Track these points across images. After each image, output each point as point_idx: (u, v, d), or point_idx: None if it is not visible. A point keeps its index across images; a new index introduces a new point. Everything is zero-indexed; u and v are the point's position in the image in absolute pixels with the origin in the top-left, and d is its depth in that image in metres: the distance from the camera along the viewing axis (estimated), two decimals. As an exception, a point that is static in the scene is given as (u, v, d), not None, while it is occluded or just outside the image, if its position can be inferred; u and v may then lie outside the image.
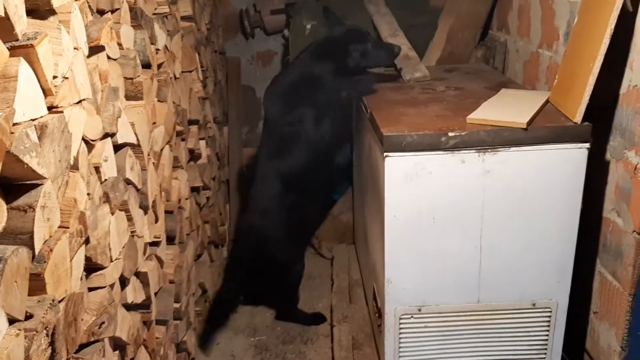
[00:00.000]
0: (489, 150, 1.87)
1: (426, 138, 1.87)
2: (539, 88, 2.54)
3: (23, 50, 1.06)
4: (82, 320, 1.28)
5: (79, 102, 1.30)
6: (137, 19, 1.81)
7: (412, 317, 2.05)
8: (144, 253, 1.80)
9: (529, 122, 1.87)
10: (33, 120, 1.05)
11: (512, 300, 2.04)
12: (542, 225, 1.96)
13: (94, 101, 1.40)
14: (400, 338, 2.07)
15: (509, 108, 2.01)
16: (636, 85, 1.83)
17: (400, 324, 2.06)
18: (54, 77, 1.15)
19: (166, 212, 2.09)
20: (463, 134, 1.86)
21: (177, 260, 2.17)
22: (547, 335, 2.07)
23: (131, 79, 1.72)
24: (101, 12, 1.55)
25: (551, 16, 2.41)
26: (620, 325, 2.00)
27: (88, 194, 1.31)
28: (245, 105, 3.92)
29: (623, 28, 1.81)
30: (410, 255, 1.99)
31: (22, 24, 1.06)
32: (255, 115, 4.01)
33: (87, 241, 1.31)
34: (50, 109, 1.14)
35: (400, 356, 2.09)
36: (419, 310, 2.04)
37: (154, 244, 1.94)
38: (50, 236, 1.10)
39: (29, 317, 1.01)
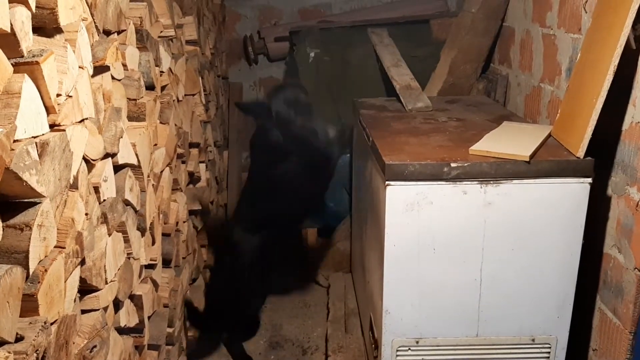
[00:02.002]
0: (491, 182, 1.86)
1: (428, 168, 1.86)
2: (540, 122, 2.54)
3: (28, 67, 1.05)
4: (73, 343, 1.25)
5: (82, 121, 1.29)
6: (143, 40, 1.81)
7: (409, 349, 2.01)
8: (140, 276, 1.77)
9: (532, 155, 1.87)
10: (34, 137, 1.03)
11: (511, 335, 2.00)
12: (543, 259, 1.94)
13: (97, 121, 1.39)
14: (396, 371, 2.03)
15: (512, 141, 2.01)
16: (639, 122, 1.83)
17: (397, 356, 2.02)
18: (58, 95, 1.14)
19: (163, 234, 2.06)
20: (465, 165, 1.85)
21: (172, 284, 2.14)
22: (546, 371, 2.04)
23: (134, 99, 1.72)
24: (107, 33, 1.55)
25: (553, 52, 2.43)
26: (620, 363, 1.97)
27: (86, 214, 1.29)
28: (245, 130, 3.92)
29: (626, 65, 1.83)
30: (409, 285, 1.96)
31: (28, 41, 1.06)
32: (255, 140, 4.01)
33: (82, 262, 1.29)
34: (52, 126, 1.13)
35: (396, 389, 2.05)
36: (417, 342, 2.01)
37: (150, 266, 1.91)
38: (45, 256, 1.08)
39: (19, 339, 0.98)
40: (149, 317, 1.88)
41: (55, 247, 1.12)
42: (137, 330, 1.77)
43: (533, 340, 2.01)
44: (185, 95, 2.34)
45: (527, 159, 1.86)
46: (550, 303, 1.98)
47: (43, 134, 1.07)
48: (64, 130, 1.15)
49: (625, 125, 1.91)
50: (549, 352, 2.02)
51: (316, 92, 3.33)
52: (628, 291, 1.91)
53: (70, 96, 1.20)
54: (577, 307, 2.02)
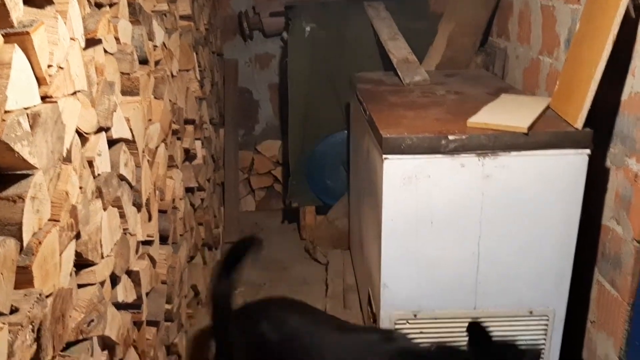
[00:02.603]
0: (489, 154, 1.85)
1: (426, 141, 1.85)
2: (538, 94, 2.52)
3: (18, 37, 1.03)
4: (70, 317, 1.24)
5: (74, 93, 1.27)
6: (136, 14, 1.78)
7: (407, 322, 2.02)
8: (136, 251, 1.77)
9: (530, 127, 1.86)
10: (26, 109, 1.02)
11: (508, 307, 2.01)
12: (541, 232, 1.94)
13: (89, 94, 1.37)
14: (395, 344, 2.04)
15: (510, 113, 1.99)
16: (638, 92, 1.81)
17: (395, 329, 2.02)
18: (49, 66, 1.12)
19: (160, 211, 2.05)
20: (463, 137, 1.84)
21: (170, 261, 2.14)
22: (544, 343, 2.05)
23: (128, 74, 1.70)
24: (99, 5, 1.52)
25: (552, 23, 2.40)
26: (618, 335, 1.98)
27: (80, 188, 1.28)
28: (241, 108, 3.89)
29: (625, 34, 1.80)
30: (406, 259, 1.96)
31: (18, 11, 1.04)
32: (251, 118, 3.98)
33: (77, 236, 1.27)
34: (44, 98, 1.11)
35: (394, 362, 2.06)
36: (415, 315, 2.01)
37: (147, 243, 1.90)
38: (39, 229, 1.06)
39: (14, 311, 0.97)
40: (147, 294, 1.87)
41: (49, 220, 1.11)
42: (135, 306, 1.77)
43: (531, 312, 2.01)
44: (179, 70, 2.31)
45: (525, 131, 1.85)
46: (548, 275, 1.98)
47: (34, 105, 1.05)
48: (55, 102, 1.13)
49: (625, 96, 1.89)
50: (546, 325, 2.03)
51: (312, 68, 3.30)
52: (626, 263, 1.91)
53: (62, 68, 1.18)
54: (575, 280, 2.02)
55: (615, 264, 1.98)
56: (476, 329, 1.51)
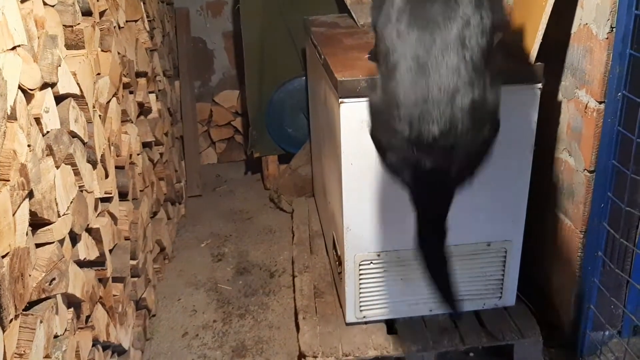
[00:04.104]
0: (444, 93, 1.86)
1: (381, 82, 1.84)
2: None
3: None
4: (30, 276, 1.23)
5: (13, 48, 1.22)
6: (74, -38, 1.70)
7: (371, 262, 2.07)
8: (95, 209, 1.74)
9: (483, 64, 1.86)
10: (-40, 65, 0.98)
11: (467, 242, 2.07)
12: (496, 167, 1.96)
13: (30, 48, 1.32)
14: (360, 284, 2.09)
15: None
16: (586, 24, 1.84)
17: (360, 270, 2.07)
18: (-18, 19, 1.07)
19: (117, 167, 2.02)
20: (418, 77, 1.84)
21: (132, 217, 2.12)
22: (502, 274, 2.13)
23: (71, 26, 1.63)
24: (33, -46, 1.44)
25: (504, -42, 2.39)
26: (572, 261, 2.07)
27: (29, 146, 1.24)
28: (196, 58, 3.80)
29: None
30: (368, 201, 1.99)
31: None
32: (207, 69, 3.90)
33: (30, 195, 1.25)
34: (-20, 54, 1.07)
35: (360, 301, 2.11)
36: (378, 255, 2.06)
37: (106, 200, 1.88)
38: (-12, 189, 1.04)
39: (-31, 272, 0.96)
40: (110, 251, 1.86)
41: (-2, 180, 1.09)
42: (99, 263, 1.76)
43: (489, 245, 2.08)
44: (126, 21, 2.23)
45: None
46: (504, 209, 2.04)
47: (-30, 62, 1.01)
48: (-7, 57, 1.09)
49: (574, 29, 1.91)
50: (504, 256, 2.10)
51: (266, 14, 3.23)
52: (578, 192, 1.98)
53: (-3, 21, 1.13)
54: (530, 211, 2.08)
55: (568, 194, 2.05)
56: None
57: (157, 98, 2.67)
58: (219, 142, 4.02)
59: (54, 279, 1.33)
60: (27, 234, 1.23)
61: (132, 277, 2.16)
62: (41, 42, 1.38)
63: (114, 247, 1.93)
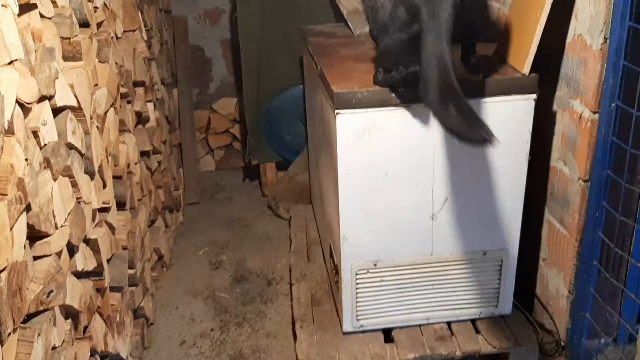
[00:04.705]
0: (439, 103, 1.87)
1: (377, 94, 1.85)
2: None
3: (-59, 7, 0.99)
4: (27, 289, 1.24)
5: (10, 63, 1.23)
6: (72, -26, 1.71)
7: (368, 272, 2.08)
8: (93, 219, 1.75)
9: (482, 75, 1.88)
10: (-42, 82, 0.99)
11: (464, 251, 2.08)
12: (492, 176, 1.99)
13: (28, 62, 1.33)
14: (357, 293, 2.10)
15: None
16: (580, 35, 1.85)
17: (356, 279, 2.08)
18: (-21, 36, 1.08)
19: (115, 177, 2.03)
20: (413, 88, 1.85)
21: (129, 226, 2.13)
22: (498, 282, 2.14)
23: (68, 38, 1.65)
24: (31, -33, 1.46)
25: (499, -33, 2.41)
26: (567, 270, 2.08)
27: (26, 160, 1.26)
28: (194, 66, 3.82)
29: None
30: (364, 211, 2.00)
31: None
32: (205, 76, 3.91)
33: (28, 208, 1.26)
34: (-22, 70, 1.08)
35: (357, 310, 2.12)
36: (375, 265, 2.07)
37: (104, 210, 1.89)
38: (-15, 204, 1.05)
39: (-33, 288, 0.97)
40: (107, 260, 1.88)
41: (-5, 194, 1.10)
42: (96, 273, 1.77)
43: (485, 254, 2.09)
44: (124, 31, 2.24)
45: (479, 79, 1.87)
46: (500, 218, 2.05)
47: (-33, 78, 1.02)
48: (-10, 73, 1.10)
49: (568, 39, 1.93)
50: (500, 265, 2.11)
51: (263, 22, 3.24)
52: (573, 201, 1.99)
53: (-6, 37, 1.14)
54: (526, 220, 2.10)
55: (563, 203, 2.06)
56: None
57: (155, 107, 2.68)
58: (217, 149, 4.04)
59: (51, 291, 1.34)
60: (24, 248, 1.24)
61: (129, 286, 2.17)
62: (38, 55, 1.39)
63: (111, 256, 1.94)
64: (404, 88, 1.84)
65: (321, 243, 2.79)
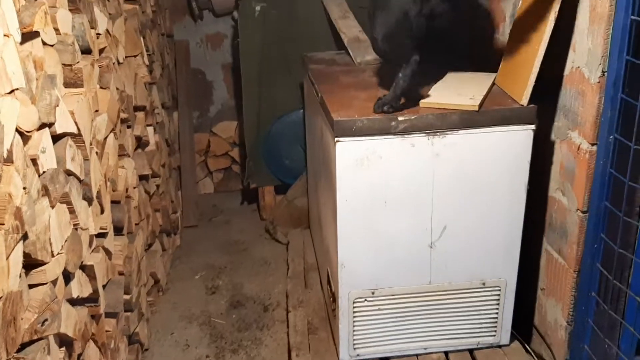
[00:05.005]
0: (438, 133, 1.89)
1: (376, 123, 1.86)
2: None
3: (-55, 38, 0.99)
4: (22, 319, 1.23)
5: (11, 92, 1.24)
6: (75, 2, 1.73)
7: (365, 300, 2.07)
8: (90, 245, 1.75)
9: (480, 105, 1.89)
10: (-41, 112, 0.99)
11: (462, 280, 2.07)
12: (490, 206, 1.99)
13: (29, 90, 1.34)
14: (354, 321, 2.09)
15: (459, 91, 2.02)
16: (578, 67, 1.86)
17: (354, 307, 2.07)
18: (-19, 66, 1.08)
19: (113, 202, 2.03)
20: (412, 117, 1.86)
21: (126, 251, 2.12)
22: (496, 312, 2.12)
23: (70, 65, 1.66)
24: (35, -4, 1.47)
25: (498, -2, 2.43)
26: (566, 301, 2.07)
27: (24, 188, 1.25)
28: (195, 90, 3.84)
29: (567, 10, 1.85)
30: (362, 239, 1.99)
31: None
32: (206, 100, 3.93)
33: (24, 237, 1.25)
34: (-22, 100, 1.08)
35: (354, 339, 2.11)
36: (373, 293, 2.06)
37: (101, 235, 1.88)
38: (-18, 234, 1.05)
39: (-39, 320, 0.96)
40: (103, 286, 1.86)
41: (-8, 224, 1.09)
42: (92, 299, 1.76)
43: (483, 284, 2.08)
44: (126, 57, 2.26)
45: (477, 109, 1.88)
46: (498, 247, 2.05)
47: (-32, 109, 1.02)
48: (-9, 103, 1.10)
49: (567, 71, 1.94)
50: (499, 294, 2.10)
51: (264, 48, 3.27)
52: (572, 232, 1.99)
53: (-4, 67, 1.15)
54: (525, 250, 2.09)
55: (561, 234, 2.06)
56: None
57: (155, 130, 2.69)
58: (216, 171, 4.04)
59: (46, 320, 1.33)
60: (20, 277, 1.23)
61: (125, 311, 2.15)
62: (39, 83, 1.40)
63: (107, 282, 1.93)
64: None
65: (319, 269, 2.78)
